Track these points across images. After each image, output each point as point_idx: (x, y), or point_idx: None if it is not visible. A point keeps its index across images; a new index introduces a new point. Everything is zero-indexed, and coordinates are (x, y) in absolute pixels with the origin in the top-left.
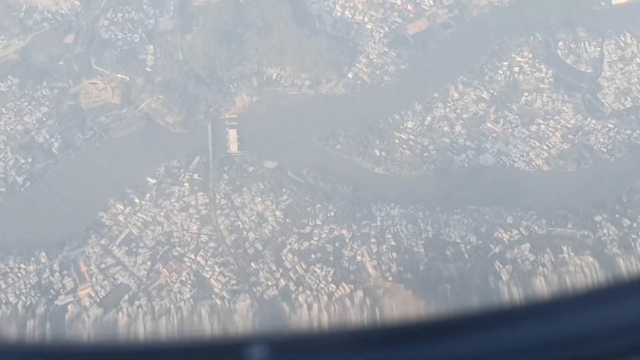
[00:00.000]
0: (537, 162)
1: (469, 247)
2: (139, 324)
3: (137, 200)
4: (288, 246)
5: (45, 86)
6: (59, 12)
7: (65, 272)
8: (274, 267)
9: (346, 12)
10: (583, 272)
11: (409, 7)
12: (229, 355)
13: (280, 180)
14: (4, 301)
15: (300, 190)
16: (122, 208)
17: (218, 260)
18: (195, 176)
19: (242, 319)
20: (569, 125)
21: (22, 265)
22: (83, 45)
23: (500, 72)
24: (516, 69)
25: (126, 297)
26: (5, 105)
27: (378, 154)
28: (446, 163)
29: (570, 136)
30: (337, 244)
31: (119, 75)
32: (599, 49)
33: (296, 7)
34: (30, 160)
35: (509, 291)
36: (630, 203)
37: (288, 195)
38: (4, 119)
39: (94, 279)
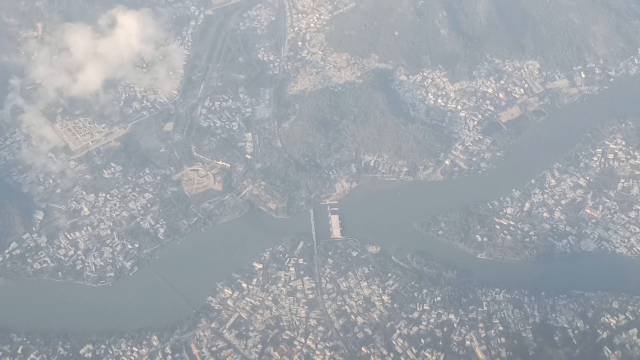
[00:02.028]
0: (638, 248)
1: (576, 332)
2: None
3: (244, 284)
4: (398, 331)
5: (148, 173)
6: (157, 101)
7: (177, 355)
8: (384, 352)
9: (439, 100)
10: None
11: (501, 95)
12: None
13: (384, 264)
14: None
15: (406, 275)
16: (230, 292)
17: (328, 345)
18: (301, 261)
19: None
20: None
21: (135, 349)
22: (183, 133)
23: (595, 158)
24: (610, 155)
25: None
26: (110, 191)
27: (480, 239)
28: (548, 248)
29: None
30: (445, 329)
31: (220, 162)
32: None
33: (390, 95)
34: (137, 245)
35: None
36: None
37: (394, 280)
38: (109, 206)
39: None
